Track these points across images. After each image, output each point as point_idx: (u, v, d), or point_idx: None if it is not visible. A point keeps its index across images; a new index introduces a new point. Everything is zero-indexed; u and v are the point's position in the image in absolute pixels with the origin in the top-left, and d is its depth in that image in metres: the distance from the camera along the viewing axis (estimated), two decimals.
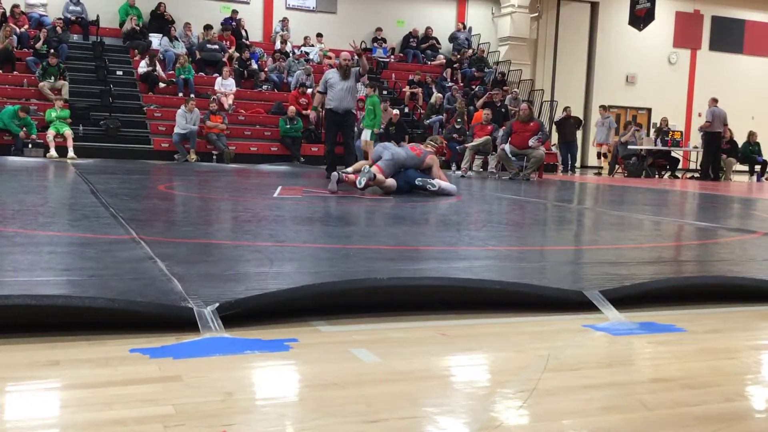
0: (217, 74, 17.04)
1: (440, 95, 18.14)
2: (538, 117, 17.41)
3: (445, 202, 7.16)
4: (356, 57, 9.75)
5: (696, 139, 19.46)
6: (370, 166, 7.95)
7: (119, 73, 16.83)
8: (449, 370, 2.01)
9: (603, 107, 18.55)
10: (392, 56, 20.52)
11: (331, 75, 10.08)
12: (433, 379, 1.89)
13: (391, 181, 7.95)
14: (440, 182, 8.00)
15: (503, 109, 17.51)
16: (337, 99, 9.99)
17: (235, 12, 19.05)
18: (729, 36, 24.75)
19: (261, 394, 1.76)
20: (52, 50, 15.61)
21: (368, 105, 14.49)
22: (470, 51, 20.99)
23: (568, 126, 18.17)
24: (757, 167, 18.36)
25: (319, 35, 19.80)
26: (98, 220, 4.61)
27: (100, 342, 2.06)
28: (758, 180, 18.04)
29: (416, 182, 7.94)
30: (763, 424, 1.66)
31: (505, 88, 19.51)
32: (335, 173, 8.00)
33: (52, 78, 15.31)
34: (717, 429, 1.57)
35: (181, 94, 16.25)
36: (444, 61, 20.60)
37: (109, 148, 14.66)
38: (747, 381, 1.99)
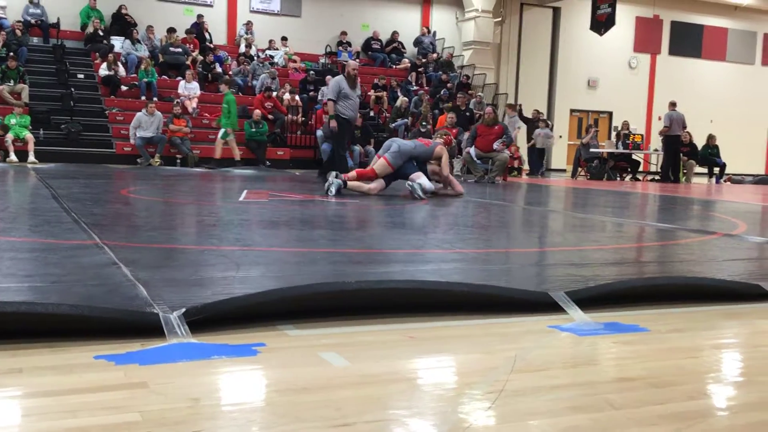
0: (180, 78, 16.88)
1: (406, 99, 18.19)
2: (502, 120, 17.52)
3: (413, 205, 7.18)
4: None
5: (656, 142, 19.79)
6: (378, 159, 8.10)
7: (80, 76, 16.58)
8: (418, 373, 2.02)
9: (510, 106, 18.48)
10: (357, 60, 20.52)
11: (343, 84, 10.15)
12: (401, 382, 1.90)
13: (375, 185, 8.01)
14: (428, 185, 8.08)
15: (468, 113, 17.61)
16: (352, 108, 10.23)
17: (200, 16, 18.90)
18: (688, 41, 25.23)
19: (229, 399, 1.74)
20: (11, 53, 15.32)
21: (224, 104, 14.60)
22: (435, 55, 21.09)
23: (532, 128, 18.34)
24: (716, 170, 18.72)
25: (284, 38, 19.72)
26: (60, 225, 4.53)
27: (63, 349, 2.03)
28: (717, 182, 18.39)
29: (407, 184, 7.99)
30: (726, 421, 1.69)
31: (470, 92, 19.63)
32: (336, 180, 7.98)
33: (12, 81, 15.02)
34: (681, 427, 1.60)
35: (143, 98, 16.06)
36: (409, 65, 20.67)
37: (71, 152, 14.43)
38: (709, 379, 2.02)
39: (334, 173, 8.07)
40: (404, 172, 8.15)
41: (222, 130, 14.70)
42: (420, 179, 7.97)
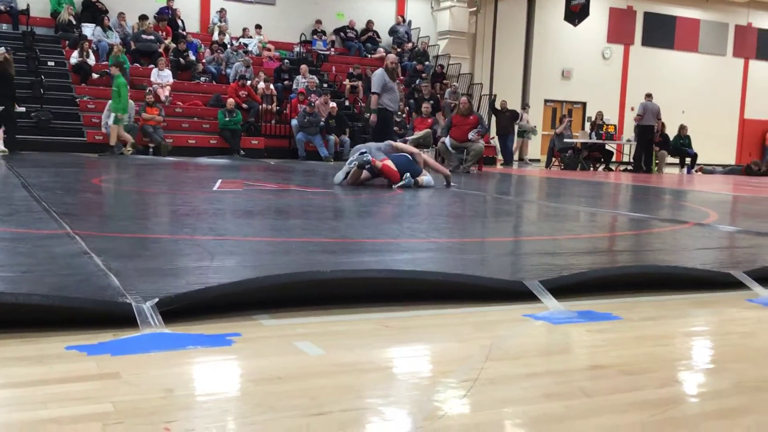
0: (152, 65, 16.69)
1: None
2: (478, 110, 17.60)
3: (388, 194, 7.18)
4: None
5: (629, 132, 19.96)
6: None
7: (51, 63, 16.33)
8: (393, 362, 2.02)
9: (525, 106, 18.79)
10: (332, 49, 20.45)
11: (386, 77, 10.25)
12: (377, 371, 1.90)
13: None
14: (427, 179, 8.14)
15: (431, 100, 17.66)
16: (395, 101, 10.43)
17: (171, 1, 18.67)
18: (661, 32, 25.44)
19: (203, 389, 1.73)
20: None
21: (114, 87, 14.13)
22: (410, 44, 21.06)
23: (504, 119, 18.43)
24: (688, 160, 18.94)
25: (258, 27, 19.58)
26: (30, 215, 4.47)
27: (34, 340, 2.00)
28: (688, 172, 18.62)
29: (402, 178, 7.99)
30: (697, 408, 1.72)
31: (444, 81, 19.65)
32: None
33: None
34: (653, 414, 1.62)
35: None
36: (384, 54, 20.61)
37: (41, 141, 14.22)
38: (681, 367, 2.05)
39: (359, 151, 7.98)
40: (404, 166, 8.10)
41: (113, 116, 14.09)
42: (427, 176, 8.15)
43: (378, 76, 10.62)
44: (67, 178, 8.26)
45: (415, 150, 8.69)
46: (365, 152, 7.78)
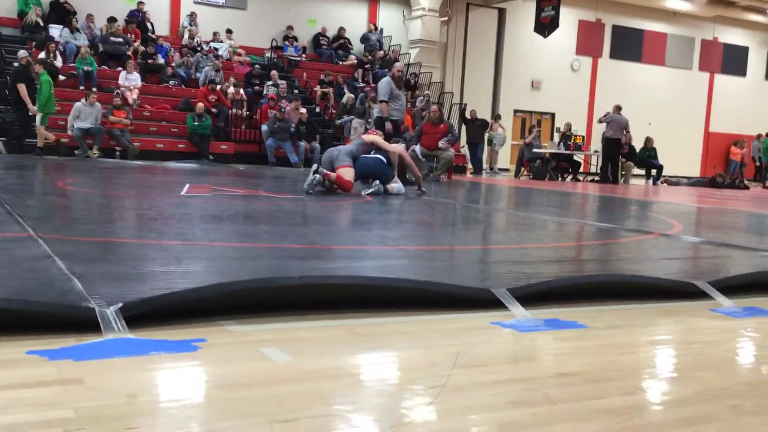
0: (121, 68, 16.51)
1: (352, 95, 18.16)
2: (448, 119, 17.69)
3: (357, 201, 7.17)
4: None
5: (597, 143, 20.20)
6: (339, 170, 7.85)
7: (16, 64, 16.05)
8: (360, 368, 2.01)
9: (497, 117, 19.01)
10: (304, 55, 20.42)
11: (393, 85, 10.18)
12: (344, 378, 1.89)
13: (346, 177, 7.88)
14: (398, 187, 8.06)
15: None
16: (401, 109, 10.41)
17: (141, 3, 18.52)
18: (629, 45, 25.81)
19: (167, 395, 1.71)
20: None
21: (38, 85, 13.58)
22: (381, 52, 21.12)
23: (474, 128, 18.55)
24: (654, 171, 19.22)
25: (229, 31, 19.48)
26: None
27: None
28: (654, 183, 18.89)
29: (370, 182, 7.96)
30: (661, 415, 1.73)
31: (416, 90, 19.72)
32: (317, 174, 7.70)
33: None
34: (618, 421, 1.63)
35: (82, 87, 15.66)
36: (356, 61, 20.65)
37: (5, 143, 13.97)
38: (645, 375, 2.07)
39: (314, 166, 7.85)
40: (379, 172, 8.09)
41: (39, 115, 13.84)
42: (398, 184, 8.07)
43: (384, 84, 10.60)
44: (32, 180, 8.12)
45: (391, 147, 8.41)
46: (317, 169, 7.63)
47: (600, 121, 17.78)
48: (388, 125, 10.36)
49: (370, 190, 7.82)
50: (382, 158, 8.18)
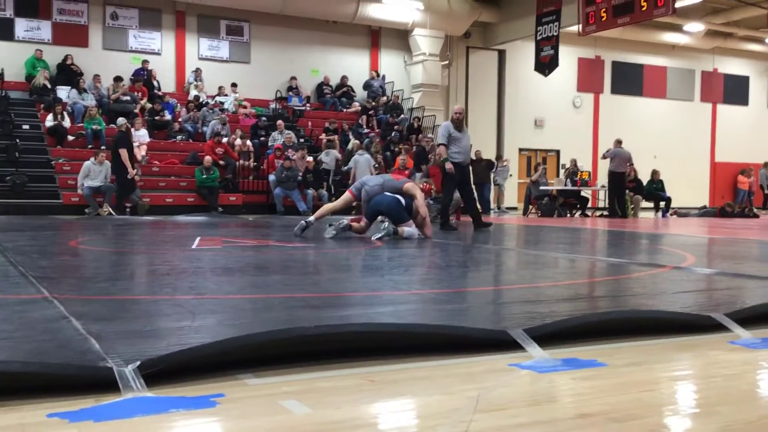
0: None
1: (357, 141, 18.31)
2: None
3: (367, 247, 7.18)
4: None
5: (603, 178, 20.23)
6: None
7: (26, 127, 16.33)
8: (380, 417, 2.00)
9: (499, 157, 19.13)
10: (308, 104, 20.65)
11: (451, 128, 10.23)
12: (364, 427, 1.88)
13: (361, 224, 8.21)
14: (409, 231, 8.05)
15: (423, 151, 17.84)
16: (464, 152, 10.30)
17: (146, 62, 18.84)
18: (629, 80, 26.01)
19: None
20: None
21: None
22: (385, 98, 21.35)
23: (480, 168, 18.62)
24: (662, 203, 19.19)
25: (234, 85, 19.76)
26: (7, 280, 4.41)
27: (14, 408, 1.96)
28: (663, 216, 18.84)
29: (379, 220, 8.17)
30: None
31: (420, 134, 19.88)
32: (306, 222, 8.39)
33: None
34: None
35: (91, 146, 15.86)
36: (359, 108, 20.87)
37: (16, 204, 14.13)
38: (668, 412, 2.05)
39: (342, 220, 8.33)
40: (394, 212, 8.15)
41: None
42: (411, 228, 8.10)
43: (443, 127, 10.70)
44: (44, 241, 8.18)
45: (419, 194, 8.41)
46: (332, 225, 8.11)
47: (603, 157, 17.85)
48: (449, 165, 10.38)
49: (379, 235, 7.83)
50: (400, 199, 8.18)
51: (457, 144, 10.31)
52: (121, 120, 14.95)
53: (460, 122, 10.49)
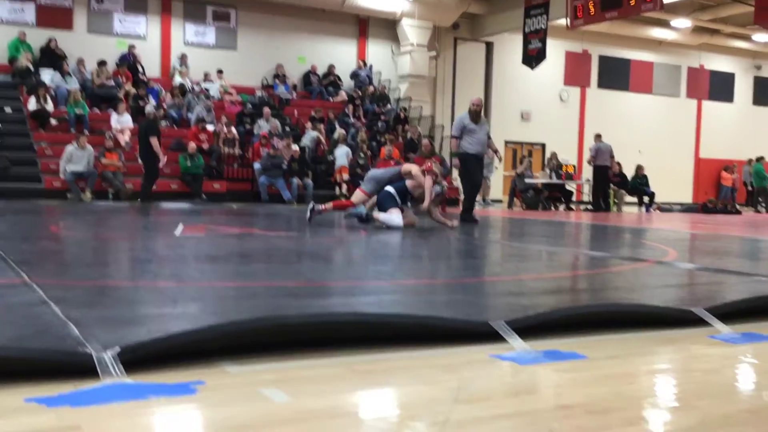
0: (112, 110, 16.58)
1: (343, 131, 18.27)
2: (439, 152, 17.80)
3: (352, 237, 7.17)
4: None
5: (588, 172, 20.31)
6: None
7: (8, 110, 16.13)
8: (360, 406, 2.00)
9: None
10: (294, 93, 20.56)
11: (466, 121, 10.15)
12: (344, 416, 1.87)
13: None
14: (385, 217, 8.09)
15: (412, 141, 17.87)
16: (478, 144, 10.20)
17: (132, 47, 18.66)
18: (616, 74, 26.08)
19: None
20: None
21: None
22: (371, 88, 21.29)
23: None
24: (646, 198, 19.31)
25: (220, 71, 19.62)
26: None
27: None
28: (647, 210, 18.96)
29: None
30: None
31: (407, 124, 19.86)
32: (312, 205, 8.50)
33: None
34: None
35: (73, 131, 15.71)
36: (346, 97, 20.80)
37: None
38: (647, 405, 2.06)
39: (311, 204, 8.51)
40: (381, 203, 8.22)
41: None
42: (388, 214, 8.09)
43: (457, 120, 10.64)
44: (25, 225, 8.11)
45: (414, 170, 8.45)
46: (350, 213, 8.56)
47: (589, 163, 17.93)
48: (455, 161, 10.50)
49: (350, 212, 8.08)
50: (391, 191, 8.27)
51: (472, 135, 10.25)
52: (149, 108, 15.03)
53: (477, 114, 10.35)
